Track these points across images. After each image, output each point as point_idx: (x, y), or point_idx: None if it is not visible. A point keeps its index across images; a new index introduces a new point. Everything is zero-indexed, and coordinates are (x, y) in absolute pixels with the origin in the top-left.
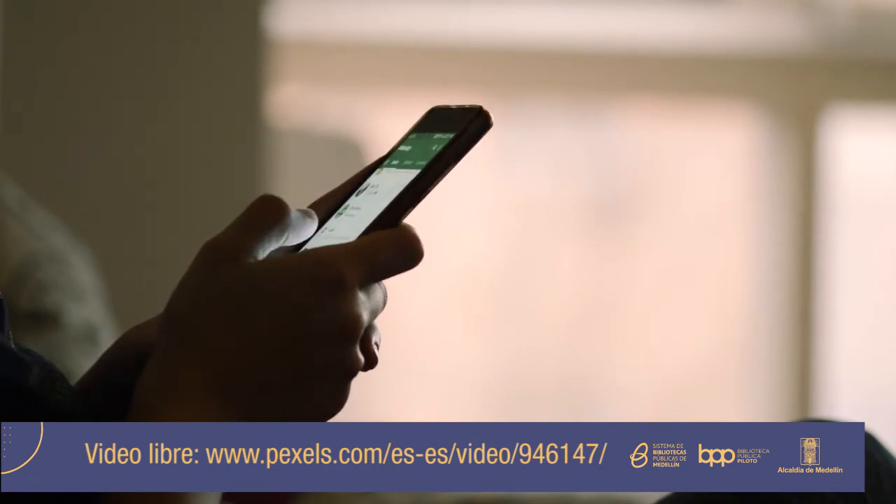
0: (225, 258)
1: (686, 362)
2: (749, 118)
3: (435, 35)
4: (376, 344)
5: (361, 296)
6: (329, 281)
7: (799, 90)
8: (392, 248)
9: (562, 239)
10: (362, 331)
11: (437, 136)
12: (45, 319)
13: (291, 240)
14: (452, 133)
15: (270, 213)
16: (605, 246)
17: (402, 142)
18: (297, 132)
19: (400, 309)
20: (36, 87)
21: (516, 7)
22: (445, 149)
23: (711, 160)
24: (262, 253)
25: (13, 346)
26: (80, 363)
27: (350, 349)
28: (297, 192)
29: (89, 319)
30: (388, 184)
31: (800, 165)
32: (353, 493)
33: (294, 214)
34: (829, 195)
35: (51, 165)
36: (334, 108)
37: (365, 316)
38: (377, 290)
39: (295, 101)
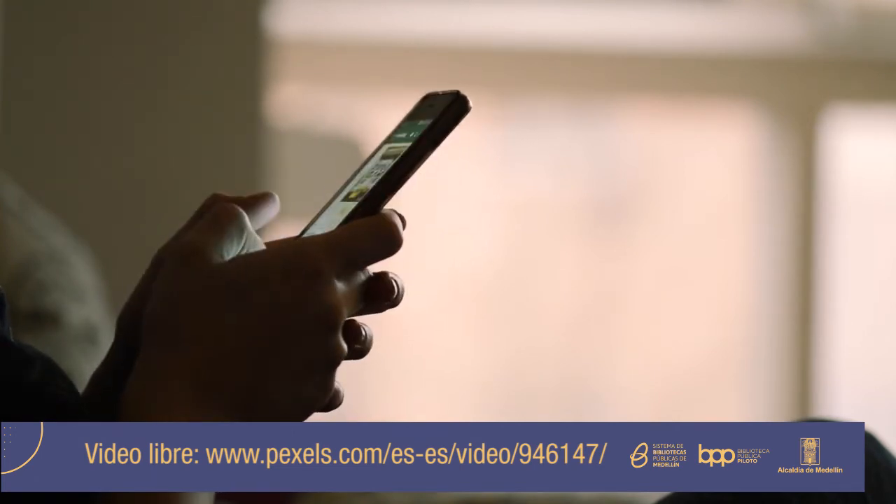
0: (194, 255)
1: (686, 362)
2: (749, 118)
3: (435, 35)
4: (367, 335)
5: (340, 285)
6: (306, 272)
7: (799, 90)
8: (369, 236)
9: (562, 239)
10: (342, 319)
11: (419, 122)
12: (45, 319)
13: (248, 241)
14: (430, 120)
15: (227, 216)
16: (605, 246)
17: (398, 128)
18: (297, 132)
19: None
20: (36, 87)
21: (516, 7)
22: (421, 137)
23: (711, 160)
24: (227, 253)
25: (13, 341)
26: (80, 363)
27: (332, 338)
28: (297, 192)
29: (89, 319)
30: (377, 170)
31: (800, 165)
32: (353, 493)
33: (247, 220)
34: (829, 195)
35: (51, 165)
36: (334, 108)
37: (344, 304)
38: (359, 278)
39: (295, 101)
